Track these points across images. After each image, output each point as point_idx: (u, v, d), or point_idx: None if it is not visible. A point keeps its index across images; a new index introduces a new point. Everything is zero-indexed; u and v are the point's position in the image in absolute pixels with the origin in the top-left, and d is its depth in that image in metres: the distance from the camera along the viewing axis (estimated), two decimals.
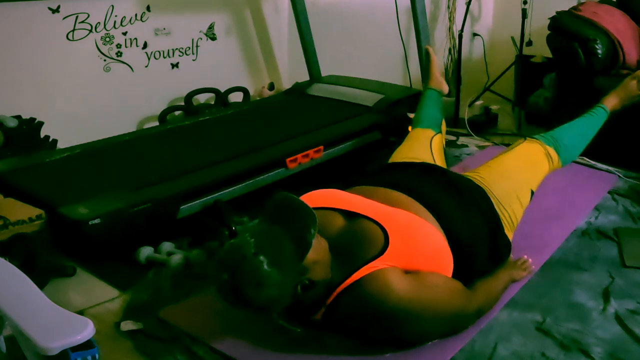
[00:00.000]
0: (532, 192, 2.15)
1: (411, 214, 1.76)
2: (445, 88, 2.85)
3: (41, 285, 1.92)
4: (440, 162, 2.31)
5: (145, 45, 3.29)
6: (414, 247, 1.67)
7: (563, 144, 2.26)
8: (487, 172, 2.16)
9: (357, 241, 1.65)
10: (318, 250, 1.56)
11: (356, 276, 1.59)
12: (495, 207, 2.02)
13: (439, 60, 4.12)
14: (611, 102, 2.42)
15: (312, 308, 1.64)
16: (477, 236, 1.89)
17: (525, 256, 2.09)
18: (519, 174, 2.17)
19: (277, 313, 1.60)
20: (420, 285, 1.60)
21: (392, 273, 1.58)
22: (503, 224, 2.01)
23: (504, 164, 2.22)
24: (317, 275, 1.56)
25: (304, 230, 1.50)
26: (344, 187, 1.94)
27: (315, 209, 1.70)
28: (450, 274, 1.74)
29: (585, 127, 2.35)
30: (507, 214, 2.04)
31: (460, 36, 3.90)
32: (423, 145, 2.36)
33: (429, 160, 2.25)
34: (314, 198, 1.81)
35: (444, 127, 2.59)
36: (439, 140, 2.43)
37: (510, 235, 2.05)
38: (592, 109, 2.40)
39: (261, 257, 1.46)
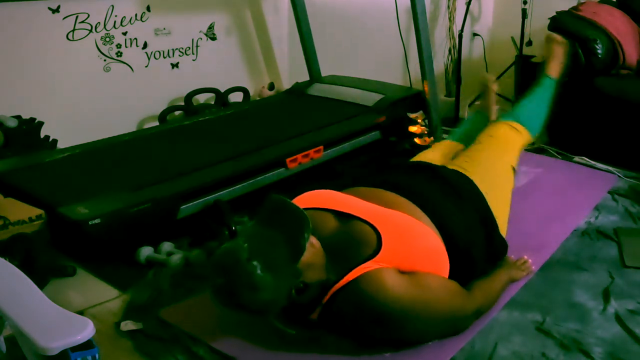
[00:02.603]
0: (514, 169, 2.20)
1: (404, 214, 1.76)
2: (494, 115, 2.59)
3: (41, 285, 1.92)
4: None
5: (145, 45, 3.29)
6: (408, 247, 1.67)
7: (523, 116, 2.33)
8: (468, 164, 2.16)
9: (351, 242, 1.65)
10: (312, 253, 1.56)
11: (351, 276, 1.59)
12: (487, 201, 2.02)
13: (439, 60, 4.13)
14: (552, 69, 2.50)
15: (308, 308, 1.65)
16: (474, 236, 1.89)
17: (526, 256, 2.09)
18: (494, 155, 2.21)
19: (273, 315, 1.60)
20: (416, 285, 1.60)
21: (387, 273, 1.58)
22: (497, 220, 2.02)
23: (478, 151, 2.24)
24: (311, 277, 1.56)
25: (297, 234, 1.50)
26: (339, 188, 1.94)
27: (307, 209, 1.70)
28: (446, 275, 1.74)
29: (539, 98, 2.44)
30: (496, 202, 2.04)
31: (460, 36, 3.91)
32: (444, 154, 2.36)
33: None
34: (307, 199, 1.81)
35: None
36: None
37: (505, 226, 2.06)
38: (539, 80, 2.47)
39: (255, 262, 1.46)
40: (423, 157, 2.35)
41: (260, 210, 1.58)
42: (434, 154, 2.37)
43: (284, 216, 1.53)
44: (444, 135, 2.63)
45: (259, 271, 1.46)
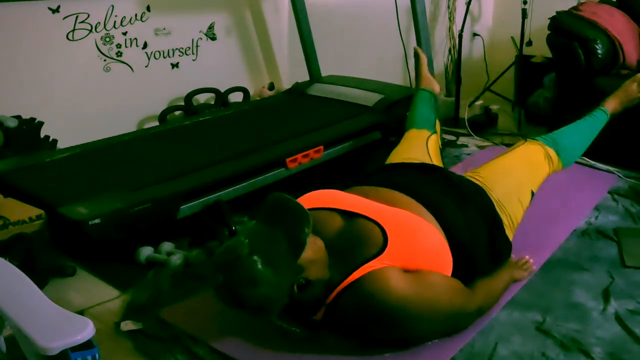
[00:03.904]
0: (533, 193, 2.16)
1: (410, 213, 1.76)
2: (437, 87, 2.83)
3: (41, 285, 1.92)
4: (437, 162, 2.32)
5: (145, 45, 3.29)
6: (413, 246, 1.67)
7: (563, 145, 2.26)
8: (487, 172, 2.16)
9: (356, 241, 1.65)
10: (314, 249, 1.56)
11: (355, 275, 1.59)
12: (496, 207, 2.02)
13: (439, 60, 4.13)
14: (612, 104, 2.42)
15: (312, 308, 1.64)
16: (477, 236, 1.89)
17: (527, 256, 2.09)
18: (519, 175, 2.17)
19: (276, 314, 1.60)
20: (420, 284, 1.61)
21: (391, 272, 1.58)
22: (504, 225, 2.02)
23: (504, 164, 2.22)
24: (313, 274, 1.56)
25: (297, 230, 1.50)
26: (342, 188, 1.94)
27: (313, 209, 1.70)
28: (449, 274, 1.74)
29: (586, 129, 2.36)
30: (507, 214, 2.04)
31: (460, 36, 3.90)
32: (419, 146, 2.37)
33: (426, 160, 2.26)
34: (312, 199, 1.81)
35: (438, 128, 2.58)
36: (434, 141, 2.43)
37: (510, 235, 2.05)
38: (593, 112, 2.39)
39: (255, 257, 1.47)
40: (405, 155, 2.31)
41: (262, 208, 1.58)
42: (417, 151, 2.33)
43: (284, 213, 1.53)
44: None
45: (259, 266, 1.46)
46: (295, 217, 1.52)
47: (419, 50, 2.99)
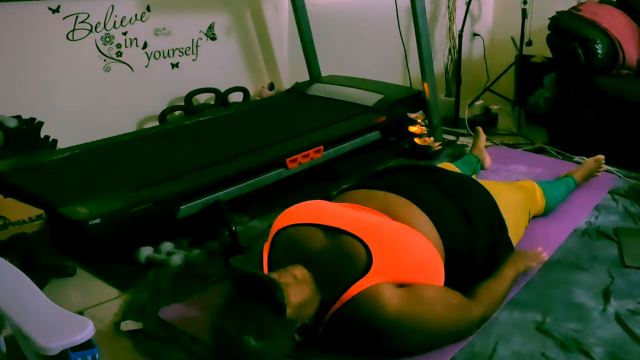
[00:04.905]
0: (529, 214, 2.29)
1: (396, 223, 1.74)
2: (488, 162, 3.02)
3: (41, 285, 1.93)
4: None
5: (145, 45, 3.29)
6: (399, 258, 1.65)
7: (548, 192, 2.45)
8: (487, 185, 2.16)
9: (341, 259, 1.63)
10: (298, 294, 1.55)
11: (348, 295, 1.57)
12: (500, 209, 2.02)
13: (439, 60, 4.13)
14: (579, 175, 2.73)
15: (312, 330, 1.64)
16: (478, 237, 1.88)
17: (540, 248, 2.08)
18: (516, 194, 2.26)
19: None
20: (415, 298, 1.59)
21: (383, 288, 1.57)
22: (507, 228, 2.01)
23: (499, 185, 2.27)
24: (307, 312, 1.58)
25: (272, 297, 1.49)
26: (347, 189, 1.94)
27: (295, 225, 1.70)
28: (441, 281, 1.71)
29: (561, 190, 2.61)
30: (512, 220, 2.04)
31: (460, 36, 3.91)
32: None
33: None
34: (294, 213, 1.79)
35: None
36: None
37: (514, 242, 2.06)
38: (566, 178, 2.70)
39: (246, 337, 1.47)
40: None
41: (230, 284, 1.58)
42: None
43: (250, 285, 1.52)
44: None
45: (253, 343, 1.46)
46: (263, 287, 1.50)
47: (480, 131, 3.10)
